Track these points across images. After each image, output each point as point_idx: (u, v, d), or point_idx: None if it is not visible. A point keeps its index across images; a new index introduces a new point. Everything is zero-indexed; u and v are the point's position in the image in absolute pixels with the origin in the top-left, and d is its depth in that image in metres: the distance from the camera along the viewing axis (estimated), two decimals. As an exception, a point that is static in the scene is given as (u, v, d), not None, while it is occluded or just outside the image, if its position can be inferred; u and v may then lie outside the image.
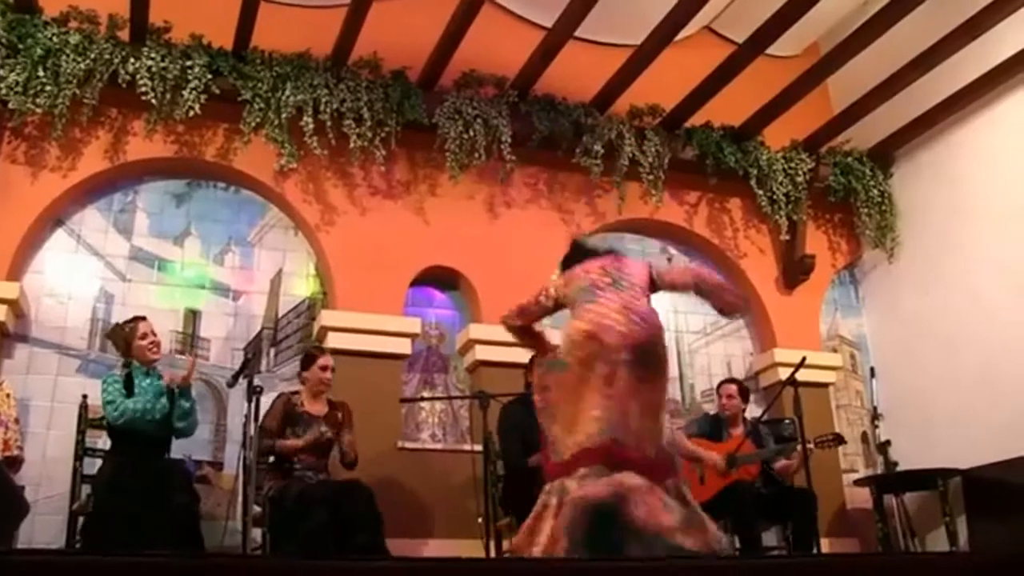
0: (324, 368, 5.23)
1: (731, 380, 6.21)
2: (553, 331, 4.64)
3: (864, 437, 7.42)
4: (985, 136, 6.91)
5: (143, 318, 5.05)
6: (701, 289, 4.18)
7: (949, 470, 6.45)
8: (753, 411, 6.43)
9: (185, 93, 5.87)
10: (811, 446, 5.67)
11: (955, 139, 7.14)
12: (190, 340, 6.05)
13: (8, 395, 4.98)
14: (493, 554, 4.97)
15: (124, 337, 4.94)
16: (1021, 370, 6.31)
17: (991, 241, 6.72)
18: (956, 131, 7.12)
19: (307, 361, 5.30)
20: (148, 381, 4.87)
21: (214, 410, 5.93)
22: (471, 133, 6.41)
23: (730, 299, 4.21)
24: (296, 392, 5.25)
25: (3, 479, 4.45)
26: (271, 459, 5.04)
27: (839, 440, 6.03)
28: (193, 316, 6.11)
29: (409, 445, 6.15)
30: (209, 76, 5.95)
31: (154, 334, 5.01)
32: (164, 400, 4.82)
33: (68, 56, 5.68)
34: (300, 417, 5.10)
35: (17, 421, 5.01)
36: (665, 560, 3.12)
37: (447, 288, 6.75)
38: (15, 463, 4.84)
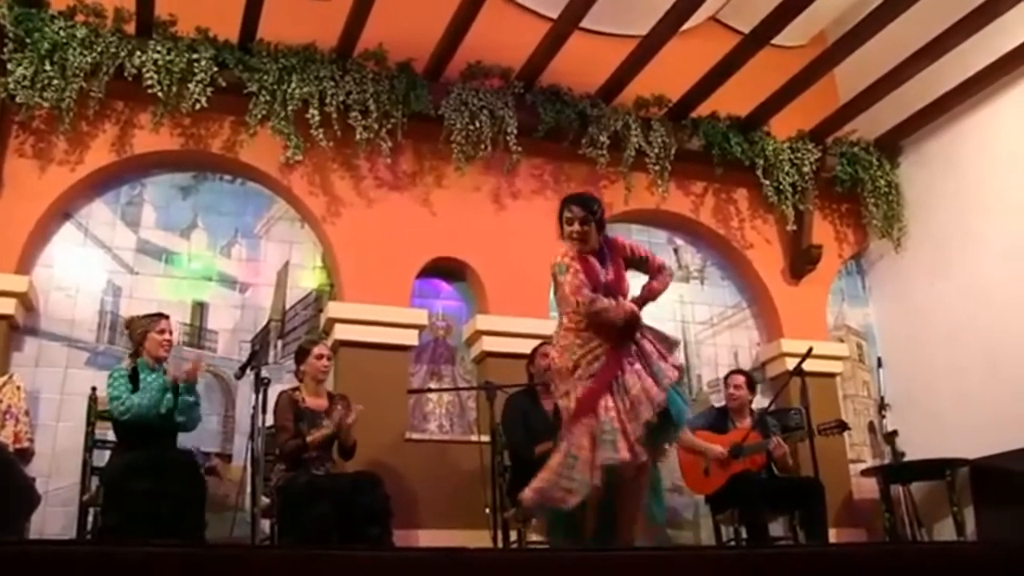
0: (320, 357, 5.22)
1: (739, 371, 6.21)
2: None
3: (871, 427, 7.42)
4: (992, 126, 6.89)
5: (166, 316, 5.08)
6: None
7: (957, 460, 6.45)
8: (760, 402, 6.43)
9: (191, 86, 5.88)
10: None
11: (962, 129, 7.12)
12: (197, 332, 6.07)
13: (18, 388, 5.03)
14: (500, 544, 4.99)
15: (143, 327, 4.96)
16: (1029, 360, 6.31)
17: (999, 231, 6.71)
18: (963, 121, 7.11)
19: (301, 355, 5.27)
20: (153, 377, 4.90)
21: (222, 402, 5.95)
22: (477, 124, 6.41)
23: None
24: (296, 388, 5.23)
25: (15, 471, 4.48)
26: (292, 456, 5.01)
27: (843, 427, 6.02)
28: (200, 308, 6.14)
29: (416, 436, 6.17)
30: (215, 69, 5.96)
31: (171, 333, 5.06)
32: (169, 396, 4.86)
33: (75, 50, 5.69)
34: (304, 413, 5.10)
35: (27, 413, 5.06)
36: (673, 551, 3.14)
37: (454, 279, 6.77)
38: (26, 455, 4.88)
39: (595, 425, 3.96)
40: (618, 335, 4.09)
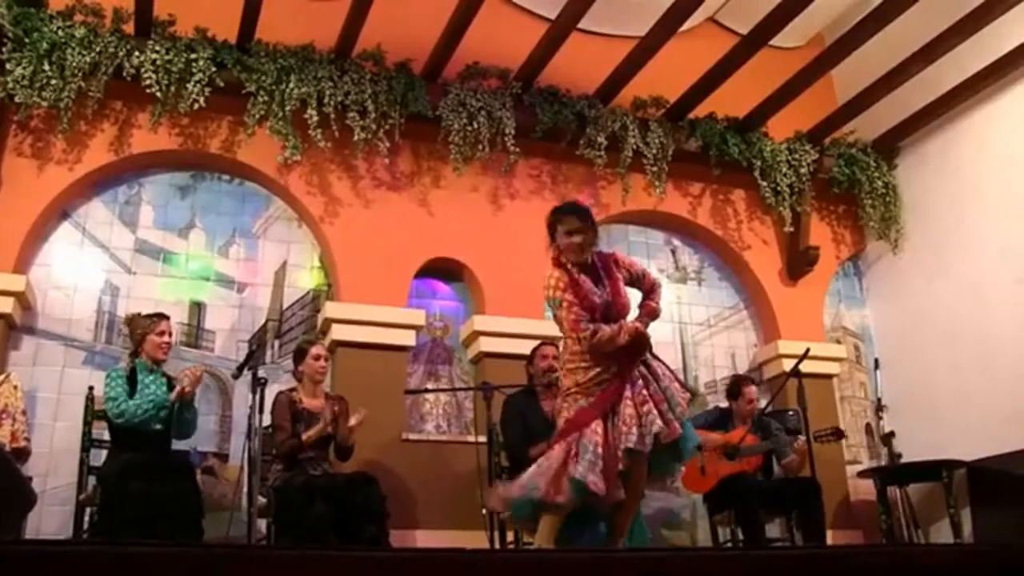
0: (317, 358, 5.22)
1: (750, 380, 6.09)
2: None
3: (868, 429, 7.43)
4: (989, 128, 6.90)
5: (167, 317, 5.09)
6: None
7: (953, 461, 6.45)
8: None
9: (189, 86, 5.88)
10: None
11: (959, 130, 7.13)
12: (195, 332, 6.07)
13: (15, 387, 5.01)
14: (497, 545, 5.00)
15: (143, 328, 4.97)
16: (1026, 361, 6.31)
17: (996, 232, 6.72)
18: (960, 122, 7.11)
19: (299, 355, 5.27)
20: (151, 378, 4.92)
21: (219, 402, 5.95)
22: (475, 125, 6.41)
23: None
24: (293, 389, 5.23)
25: (11, 470, 4.48)
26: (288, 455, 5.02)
27: (839, 435, 6.00)
28: (198, 308, 6.14)
29: (413, 437, 6.17)
30: (213, 69, 5.96)
31: (171, 335, 5.06)
32: (165, 412, 4.87)
33: (73, 50, 5.69)
34: (302, 414, 5.10)
35: (24, 413, 5.04)
36: (669, 552, 3.15)
37: (451, 280, 6.77)
38: (22, 454, 4.87)
39: (577, 441, 3.90)
40: (626, 358, 4.01)
